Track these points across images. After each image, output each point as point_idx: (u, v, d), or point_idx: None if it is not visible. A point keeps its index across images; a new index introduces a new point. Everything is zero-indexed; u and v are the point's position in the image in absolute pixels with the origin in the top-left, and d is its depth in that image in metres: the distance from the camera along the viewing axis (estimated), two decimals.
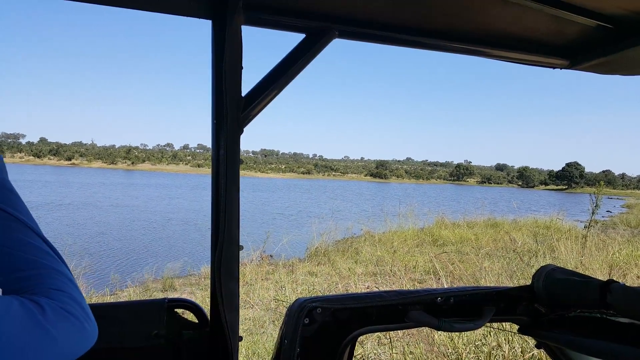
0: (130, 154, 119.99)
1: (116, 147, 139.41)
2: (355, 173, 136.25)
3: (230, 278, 1.20)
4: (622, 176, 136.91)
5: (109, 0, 1.15)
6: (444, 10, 1.36)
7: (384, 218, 15.90)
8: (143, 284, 8.53)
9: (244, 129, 1.22)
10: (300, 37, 1.32)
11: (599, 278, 1.27)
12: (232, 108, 1.17)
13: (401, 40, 1.45)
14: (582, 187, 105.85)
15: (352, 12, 1.33)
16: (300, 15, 1.28)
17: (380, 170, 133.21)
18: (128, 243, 13.86)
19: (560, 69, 1.75)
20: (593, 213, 10.76)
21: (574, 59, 1.67)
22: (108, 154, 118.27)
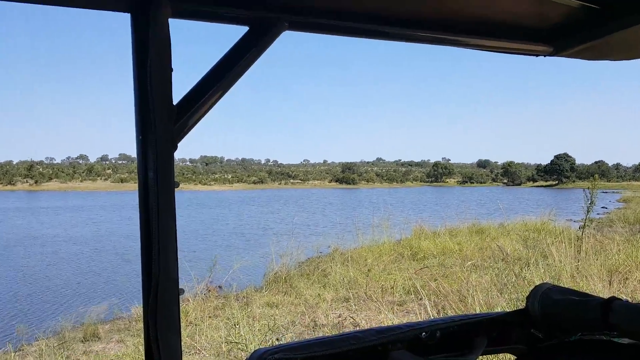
0: (33, 171, 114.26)
1: (14, 163, 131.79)
2: (317, 179, 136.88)
3: (170, 329, 1.15)
4: (617, 167, 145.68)
5: None
6: None
7: (354, 231, 16.06)
8: (58, 334, 8.14)
9: (178, 145, 1.19)
10: (242, 30, 1.30)
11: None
12: (162, 120, 1.12)
13: (361, 30, 1.46)
14: (574, 181, 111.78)
15: (304, 0, 1.34)
16: (241, 5, 1.25)
17: (347, 175, 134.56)
18: (43, 282, 13.40)
19: (544, 56, 1.84)
20: (588, 211, 11.30)
21: (557, 45, 1.76)
22: (3, 173, 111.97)
